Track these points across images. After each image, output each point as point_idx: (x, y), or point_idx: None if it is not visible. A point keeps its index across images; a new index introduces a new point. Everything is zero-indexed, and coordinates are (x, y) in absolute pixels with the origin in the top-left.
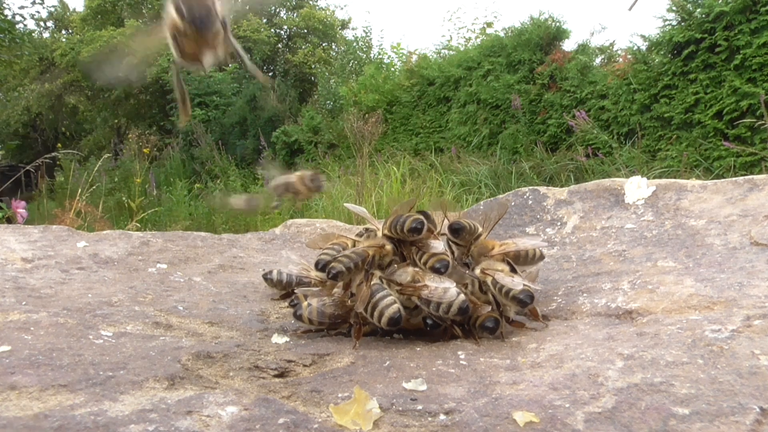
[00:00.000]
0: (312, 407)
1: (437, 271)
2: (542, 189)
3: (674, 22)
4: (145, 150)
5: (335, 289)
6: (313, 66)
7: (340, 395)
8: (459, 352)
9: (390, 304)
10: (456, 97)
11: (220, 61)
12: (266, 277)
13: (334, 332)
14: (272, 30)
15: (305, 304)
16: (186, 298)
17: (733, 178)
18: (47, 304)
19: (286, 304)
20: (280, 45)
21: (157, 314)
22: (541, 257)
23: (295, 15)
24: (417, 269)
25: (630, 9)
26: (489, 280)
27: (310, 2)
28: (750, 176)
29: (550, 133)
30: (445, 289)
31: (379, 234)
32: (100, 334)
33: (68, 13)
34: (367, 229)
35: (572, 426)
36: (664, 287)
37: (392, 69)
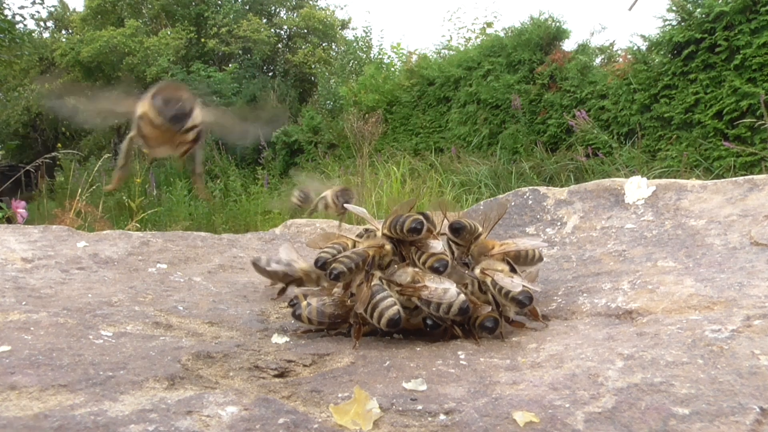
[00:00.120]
0: (312, 407)
1: (436, 270)
2: (542, 189)
3: (674, 22)
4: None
5: (335, 289)
6: (313, 66)
7: (340, 395)
8: (459, 352)
9: (390, 305)
10: (456, 97)
11: (172, 156)
12: (256, 264)
13: (334, 332)
14: (272, 30)
15: (305, 303)
16: (186, 298)
17: (733, 178)
18: (47, 304)
19: (286, 304)
20: (280, 45)
21: (157, 314)
22: (540, 259)
23: (295, 15)
24: (416, 269)
25: (630, 9)
26: (488, 280)
27: (310, 2)
28: (750, 176)
29: (550, 133)
30: (444, 290)
31: (379, 234)
32: (100, 334)
33: (68, 13)
34: (367, 230)
35: (572, 426)
36: (664, 287)
37: (392, 69)
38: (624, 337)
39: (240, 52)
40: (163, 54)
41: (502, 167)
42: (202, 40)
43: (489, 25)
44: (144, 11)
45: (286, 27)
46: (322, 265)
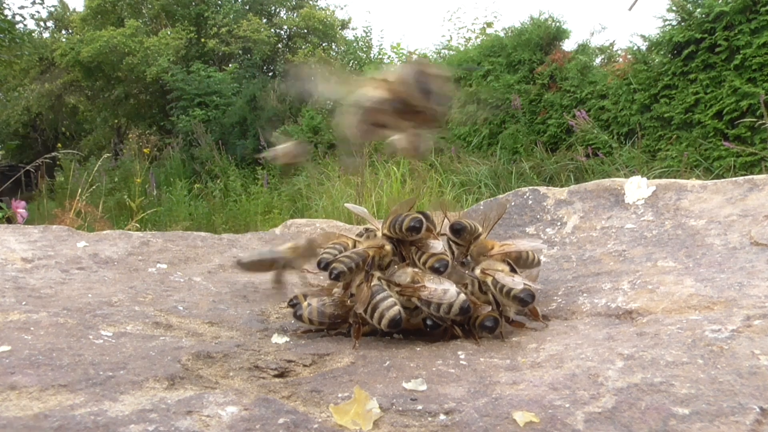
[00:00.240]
0: (312, 407)
1: (436, 270)
2: (542, 189)
3: (674, 22)
4: (145, 150)
5: (335, 289)
6: (313, 66)
7: (340, 395)
8: (459, 352)
9: (390, 306)
10: (456, 97)
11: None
12: (240, 262)
13: (334, 332)
14: (272, 30)
15: (305, 304)
16: (186, 298)
17: (733, 178)
18: (47, 304)
19: (286, 304)
20: (280, 45)
21: (157, 314)
22: (539, 263)
23: (295, 15)
24: (416, 270)
25: (630, 9)
26: (489, 280)
27: (310, 2)
28: (750, 176)
29: (550, 133)
30: (444, 290)
31: (379, 234)
32: (100, 334)
33: (68, 13)
34: (367, 229)
35: (572, 426)
36: (664, 287)
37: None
38: (624, 337)
39: (240, 52)
40: (163, 54)
41: (502, 167)
42: (202, 40)
43: (489, 25)
44: (144, 11)
45: (286, 27)
46: (324, 266)
